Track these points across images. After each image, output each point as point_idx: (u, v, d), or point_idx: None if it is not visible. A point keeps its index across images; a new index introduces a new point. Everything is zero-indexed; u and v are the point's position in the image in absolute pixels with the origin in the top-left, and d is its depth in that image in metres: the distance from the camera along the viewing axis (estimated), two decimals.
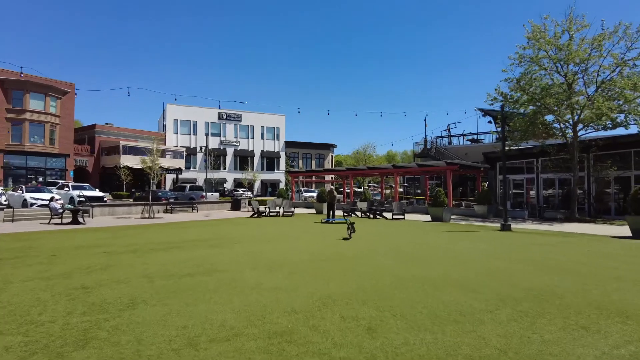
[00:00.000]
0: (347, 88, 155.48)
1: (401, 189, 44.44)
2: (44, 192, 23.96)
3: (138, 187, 44.23)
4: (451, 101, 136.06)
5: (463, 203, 27.43)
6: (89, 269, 7.12)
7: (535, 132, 22.08)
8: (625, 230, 14.64)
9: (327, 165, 65.06)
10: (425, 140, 39.44)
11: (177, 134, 55.75)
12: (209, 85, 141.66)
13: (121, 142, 46.38)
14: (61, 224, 17.37)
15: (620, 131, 20.56)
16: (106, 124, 52.91)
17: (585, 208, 22.23)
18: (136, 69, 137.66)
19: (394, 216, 20.69)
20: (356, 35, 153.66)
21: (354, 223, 12.21)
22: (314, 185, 61.59)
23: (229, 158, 58.43)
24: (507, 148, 25.09)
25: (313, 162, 66.00)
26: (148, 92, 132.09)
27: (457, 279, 6.44)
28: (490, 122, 40.77)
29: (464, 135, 42.28)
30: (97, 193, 26.12)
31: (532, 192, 26.34)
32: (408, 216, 21.74)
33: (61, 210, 17.91)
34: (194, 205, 26.90)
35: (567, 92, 20.04)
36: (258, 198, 42.52)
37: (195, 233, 13.44)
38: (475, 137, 40.51)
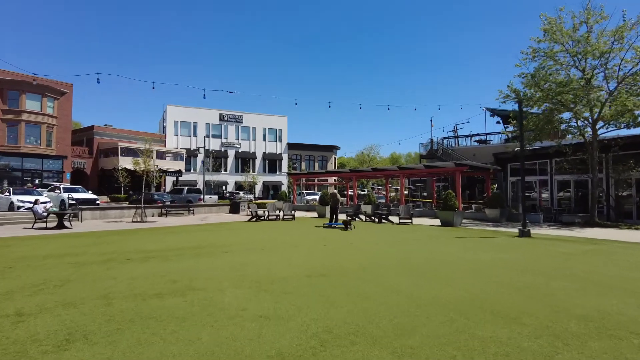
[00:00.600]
0: (351, 88, 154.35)
1: (406, 192, 43.15)
2: (33, 194, 22.86)
3: (137, 190, 43.09)
4: (459, 101, 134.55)
5: (473, 206, 26.11)
6: (40, 286, 5.91)
7: (550, 131, 20.79)
8: None
9: (330, 167, 63.81)
10: (432, 141, 38.14)
11: (177, 135, 54.70)
12: (209, 85, 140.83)
13: (120, 143, 45.36)
14: (46, 228, 16.24)
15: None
16: (105, 125, 51.92)
17: (604, 212, 20.89)
18: (135, 69, 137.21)
19: (401, 220, 19.43)
20: (359, 33, 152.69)
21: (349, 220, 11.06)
22: (316, 188, 60.37)
23: (230, 160, 57.32)
24: (517, 149, 23.86)
25: (316, 164, 64.79)
26: (149, 93, 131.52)
27: (488, 301, 5.19)
28: (498, 122, 39.44)
29: (470, 135, 40.95)
30: (89, 196, 25.02)
31: (544, 195, 25.01)
32: (415, 220, 20.48)
33: (45, 214, 16.76)
34: (191, 209, 25.72)
35: (586, 87, 18.74)
36: (259, 201, 41.32)
37: (184, 239, 12.24)
38: (483, 137, 39.17)
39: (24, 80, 39.92)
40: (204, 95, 16.89)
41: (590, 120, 19.35)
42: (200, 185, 52.16)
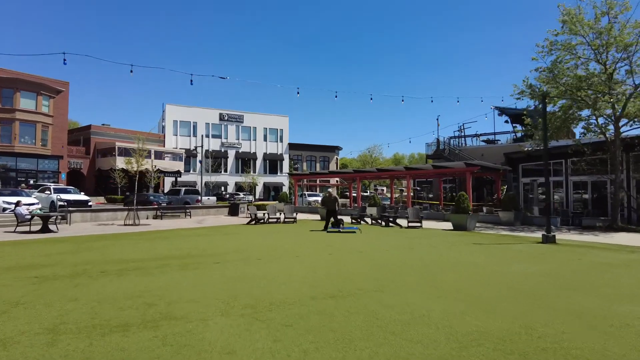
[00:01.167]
0: (353, 88, 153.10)
1: (412, 193, 41.90)
2: (21, 195, 21.68)
3: (134, 191, 41.89)
4: (463, 101, 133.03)
5: (484, 208, 24.83)
6: None
7: (569, 129, 19.54)
8: None
9: (332, 168, 62.58)
10: (438, 141, 36.89)
11: (176, 135, 53.55)
12: (210, 84, 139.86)
13: (117, 143, 44.17)
14: (29, 232, 15.08)
15: None
16: (103, 124, 50.81)
17: (624, 214, 19.61)
18: (135, 70, 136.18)
19: (410, 224, 18.19)
20: (363, 32, 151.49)
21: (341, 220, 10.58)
22: (318, 189, 59.16)
23: (231, 160, 56.15)
24: (531, 148, 22.63)
25: (317, 164, 63.56)
26: (149, 93, 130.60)
27: (549, 338, 3.97)
28: (507, 121, 38.15)
29: (478, 135, 39.72)
30: (81, 197, 23.85)
31: (557, 197, 23.75)
32: (424, 223, 19.24)
33: (29, 217, 15.59)
34: (187, 211, 24.53)
35: (608, 82, 17.50)
36: (259, 202, 40.11)
37: (174, 246, 11.03)
38: (491, 137, 37.92)
39: (19, 77, 38.84)
40: (191, 81, 15.84)
41: (612, 117, 18.10)
42: (200, 186, 51.07)
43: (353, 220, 20.67)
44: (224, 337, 3.95)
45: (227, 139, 56.16)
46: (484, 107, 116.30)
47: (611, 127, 18.38)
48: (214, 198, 36.65)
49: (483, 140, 38.37)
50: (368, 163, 73.77)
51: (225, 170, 55.69)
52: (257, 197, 55.03)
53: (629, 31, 17.27)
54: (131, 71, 16.67)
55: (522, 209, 22.78)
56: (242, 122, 57.20)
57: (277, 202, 33.22)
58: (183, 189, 33.50)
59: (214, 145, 55.22)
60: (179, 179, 49.77)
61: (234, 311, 4.83)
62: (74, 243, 11.61)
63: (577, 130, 28.45)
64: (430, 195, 39.56)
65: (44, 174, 41.13)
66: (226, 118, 56.19)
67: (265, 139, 58.48)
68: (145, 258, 8.87)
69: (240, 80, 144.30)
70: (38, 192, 24.49)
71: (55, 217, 16.51)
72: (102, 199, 40.72)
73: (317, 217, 24.16)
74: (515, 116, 36.19)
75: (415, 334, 4.06)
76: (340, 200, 49.38)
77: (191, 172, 52.93)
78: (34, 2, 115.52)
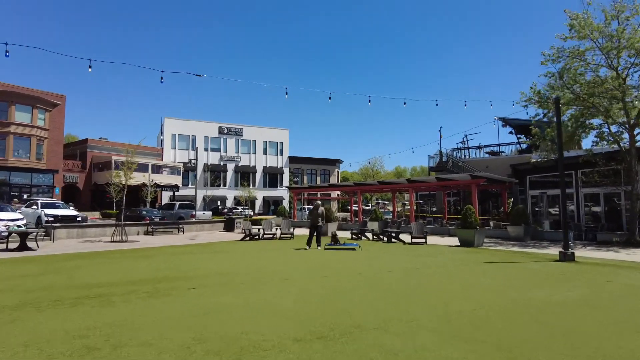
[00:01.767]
0: (352, 101, 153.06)
1: (414, 207, 40.72)
2: (6, 210, 20.68)
3: (130, 206, 40.91)
4: (466, 112, 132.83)
5: (491, 223, 23.68)
6: None
7: (580, 138, 18.55)
8: None
9: (333, 181, 61.53)
10: (441, 152, 35.85)
11: (175, 149, 52.78)
12: (208, 97, 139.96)
13: (113, 157, 43.28)
14: (5, 249, 14.06)
15: None
16: (100, 138, 50.09)
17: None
18: (133, 81, 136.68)
19: (414, 239, 17.07)
20: (358, 44, 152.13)
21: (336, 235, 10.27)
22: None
23: (230, 174, 55.24)
24: (539, 159, 21.60)
25: (318, 178, 62.58)
26: (147, 107, 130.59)
27: None
28: (511, 132, 37.16)
29: (481, 147, 38.69)
30: (69, 212, 22.85)
31: (568, 210, 22.59)
32: (428, 239, 18.12)
33: (6, 234, 14.57)
34: (180, 226, 23.44)
35: (622, 87, 16.54)
36: (259, 216, 39.02)
37: (152, 267, 9.95)
38: (495, 148, 36.89)
39: (13, 90, 38.25)
40: (161, 78, 14.91)
41: (627, 125, 17.09)
42: (198, 201, 50.05)
43: (353, 236, 19.57)
44: None
45: (226, 152, 55.37)
46: (488, 117, 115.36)
47: (626, 135, 17.37)
48: (210, 213, 35.61)
49: (487, 152, 37.34)
50: (369, 176, 72.65)
51: (225, 184, 54.77)
52: (256, 211, 53.97)
53: None
54: (89, 66, 15.81)
55: (531, 223, 21.63)
56: (242, 135, 56.48)
57: (275, 216, 32.15)
58: (177, 203, 32.52)
59: (213, 158, 54.41)
60: (177, 193, 48.83)
61: None
62: (45, 263, 10.55)
63: (588, 141, 27.44)
64: (434, 209, 38.39)
65: (38, 188, 40.25)
66: (225, 131, 55.49)
67: (265, 152, 57.67)
68: (115, 282, 7.80)
69: (242, 97, 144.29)
70: (25, 207, 23.51)
71: (35, 233, 15.50)
72: (97, 214, 39.74)
73: None
74: (519, 127, 35.23)
75: None
76: (340, 214, 48.40)
77: (189, 186, 51.96)
78: (30, 15, 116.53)
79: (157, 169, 46.95)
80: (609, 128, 17.89)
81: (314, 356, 3.85)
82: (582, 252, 13.70)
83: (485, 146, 37.81)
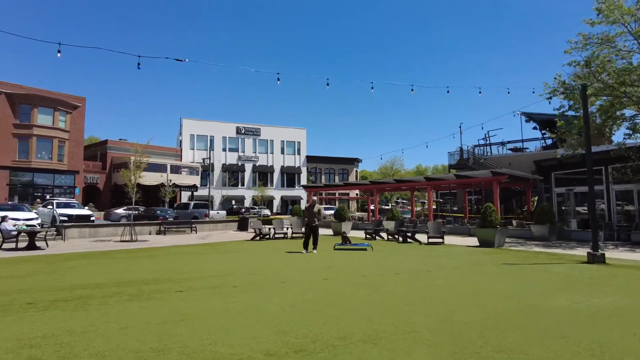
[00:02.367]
0: (371, 100, 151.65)
1: (435, 206, 39.62)
2: (23, 210, 20.89)
3: (148, 205, 41.23)
4: (489, 108, 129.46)
5: (514, 222, 22.52)
6: None
7: (610, 131, 17.32)
8: None
9: (352, 180, 60.75)
10: (461, 149, 34.62)
11: (193, 149, 53.07)
12: (226, 99, 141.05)
13: (132, 157, 43.75)
14: (15, 249, 14.02)
15: None
16: (120, 139, 50.80)
17: None
18: (152, 83, 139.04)
19: (430, 239, 16.24)
20: (385, 44, 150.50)
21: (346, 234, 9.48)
22: (337, 203, 57.42)
23: (248, 174, 55.20)
24: (566, 153, 20.36)
25: (336, 177, 61.90)
26: (168, 108, 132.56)
27: None
28: (535, 128, 35.65)
29: (503, 143, 37.23)
30: (83, 211, 22.94)
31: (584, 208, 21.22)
32: (447, 239, 17.25)
33: (15, 233, 14.52)
34: (193, 226, 23.21)
35: None
36: (276, 216, 38.68)
37: (150, 267, 9.54)
38: (518, 145, 35.40)
39: (36, 94, 39.06)
40: (138, 64, 14.57)
41: None
42: (218, 200, 50.15)
43: (367, 236, 18.82)
44: None
45: (244, 152, 55.35)
46: (506, 110, 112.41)
47: None
48: (224, 212, 35.44)
49: (510, 149, 35.90)
50: (389, 175, 71.44)
51: (243, 184, 54.74)
52: (274, 211, 53.76)
53: None
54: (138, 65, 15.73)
55: (557, 222, 20.41)
56: (259, 135, 56.37)
57: (290, 216, 31.69)
58: (192, 203, 32.47)
59: (231, 158, 54.48)
60: (195, 193, 49.06)
61: None
62: (42, 263, 10.28)
63: (619, 134, 25.77)
64: (455, 208, 37.19)
65: (60, 189, 41.03)
66: (243, 131, 55.49)
67: (282, 152, 57.41)
68: (102, 283, 7.38)
69: (259, 99, 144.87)
70: (42, 207, 23.77)
71: (44, 232, 15.44)
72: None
73: (330, 231, 22.41)
74: (544, 122, 33.72)
75: None
76: (358, 214, 47.57)
77: (208, 186, 52.16)
78: (50, 22, 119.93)
79: (175, 169, 47.31)
80: None
81: None
82: (614, 254, 12.62)
83: (508, 142, 36.39)
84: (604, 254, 10.52)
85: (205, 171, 51.33)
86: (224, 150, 54.27)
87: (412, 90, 21.56)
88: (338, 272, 8.71)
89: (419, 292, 6.64)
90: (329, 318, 4.96)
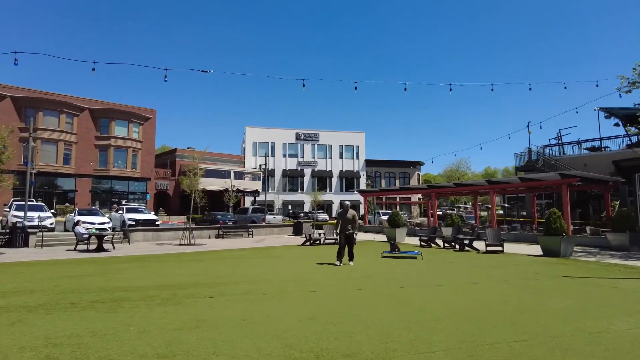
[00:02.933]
0: (434, 101, 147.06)
1: (501, 211, 37.26)
2: (98, 215, 22.81)
3: (213, 210, 43.19)
4: (562, 103, 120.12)
5: (587, 229, 20.45)
6: None
7: None
8: None
9: (414, 184, 59.14)
10: (530, 150, 32.23)
11: (255, 156, 54.90)
12: (286, 104, 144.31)
13: (199, 165, 46.18)
14: (87, 250, 15.33)
15: None
16: (188, 147, 53.93)
17: None
18: (214, 90, 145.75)
19: (488, 248, 15.20)
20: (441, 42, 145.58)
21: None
22: (398, 207, 56.23)
23: (307, 179, 55.92)
24: None
25: (397, 181, 60.66)
26: (231, 114, 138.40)
27: None
28: (617, 124, 32.09)
29: (579, 142, 33.97)
30: (149, 216, 24.51)
31: None
32: (509, 247, 16.06)
33: (86, 236, 15.86)
34: (250, 230, 23.88)
35: None
36: (333, 221, 38.69)
37: (192, 271, 9.87)
38: (596, 143, 32.15)
39: (113, 108, 42.71)
40: (165, 76, 14.86)
41: None
42: (278, 205, 51.37)
43: (422, 243, 18.05)
44: None
45: (303, 157, 56.19)
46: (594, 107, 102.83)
47: None
48: (280, 217, 36.04)
49: (586, 148, 32.72)
50: (454, 178, 68.54)
51: (302, 189, 55.52)
52: (333, 215, 53.85)
53: None
54: (165, 76, 16.49)
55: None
56: (318, 140, 56.92)
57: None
58: (251, 207, 33.46)
59: (291, 164, 55.56)
60: (257, 198, 50.64)
61: None
62: (102, 265, 11.07)
63: None
64: (523, 213, 34.68)
65: (134, 194, 44.38)
66: (302, 137, 56.37)
67: (341, 157, 57.47)
68: (144, 286, 7.73)
69: (317, 102, 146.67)
70: (114, 212, 25.78)
71: (111, 236, 16.69)
72: (183, 218, 42.65)
73: (384, 237, 21.89)
74: (627, 117, 30.23)
75: None
76: (421, 219, 46.06)
77: (269, 191, 53.60)
78: (119, 43, 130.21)
79: (239, 175, 49.19)
80: None
81: None
82: None
83: (583, 141, 33.19)
84: None
85: (267, 177, 52.94)
86: (284, 156, 55.50)
87: (451, 89, 20.53)
88: (375, 282, 8.38)
89: (453, 307, 6.15)
90: (344, 332, 4.72)
